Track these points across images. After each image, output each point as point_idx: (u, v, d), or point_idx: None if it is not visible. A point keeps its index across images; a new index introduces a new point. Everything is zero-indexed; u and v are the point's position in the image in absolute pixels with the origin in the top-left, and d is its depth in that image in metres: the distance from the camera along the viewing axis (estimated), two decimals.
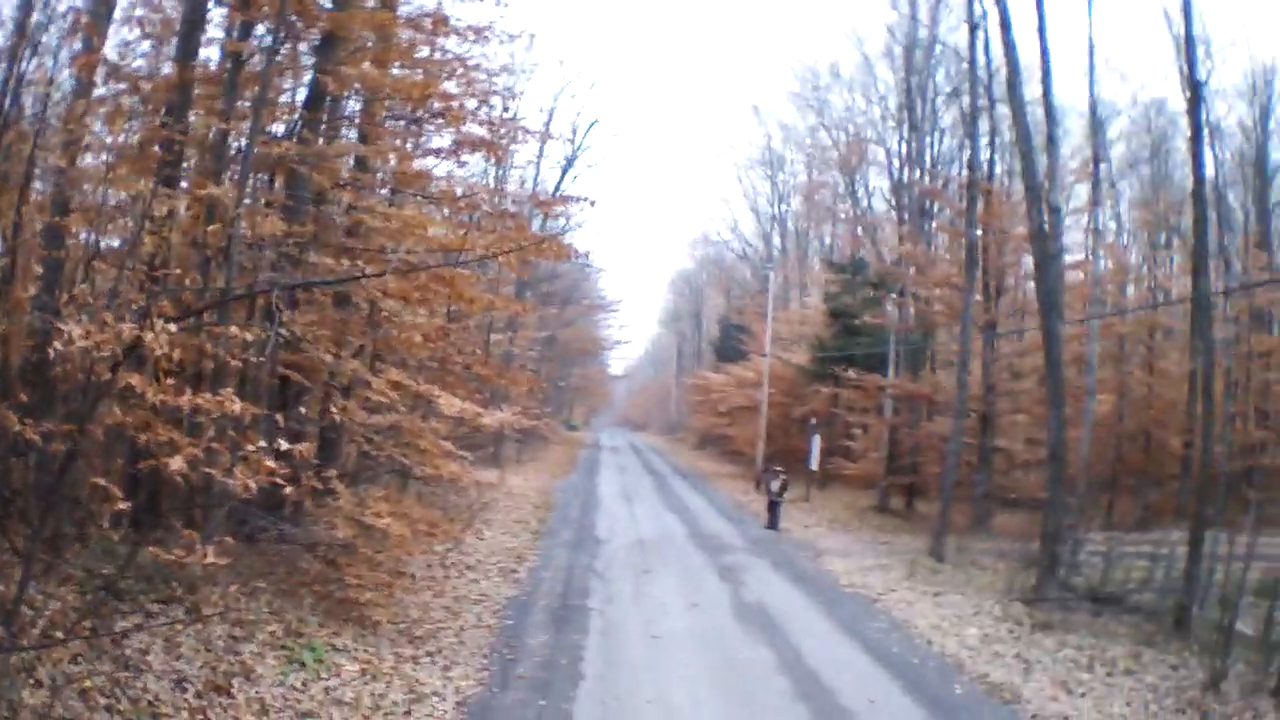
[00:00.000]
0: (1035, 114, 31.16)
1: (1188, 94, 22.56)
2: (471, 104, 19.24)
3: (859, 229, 60.76)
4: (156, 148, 15.12)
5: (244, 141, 16.16)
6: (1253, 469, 37.65)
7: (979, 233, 36.78)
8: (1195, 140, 22.60)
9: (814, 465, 46.17)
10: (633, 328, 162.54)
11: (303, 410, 16.42)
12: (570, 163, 62.28)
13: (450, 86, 19.34)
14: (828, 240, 76.46)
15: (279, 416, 12.67)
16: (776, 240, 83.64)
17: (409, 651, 15.47)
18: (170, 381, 9.84)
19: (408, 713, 12.81)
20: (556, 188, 59.46)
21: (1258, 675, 15.83)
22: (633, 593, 22.18)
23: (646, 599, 21.51)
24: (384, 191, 21.57)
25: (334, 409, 15.25)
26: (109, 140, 15.98)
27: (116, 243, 15.97)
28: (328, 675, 13.37)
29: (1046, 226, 26.17)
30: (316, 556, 17.45)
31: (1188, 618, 19.55)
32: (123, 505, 9.72)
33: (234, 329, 12.06)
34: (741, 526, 36.45)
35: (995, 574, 26.96)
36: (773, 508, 36.80)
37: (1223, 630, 16.33)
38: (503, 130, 19.89)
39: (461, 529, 24.93)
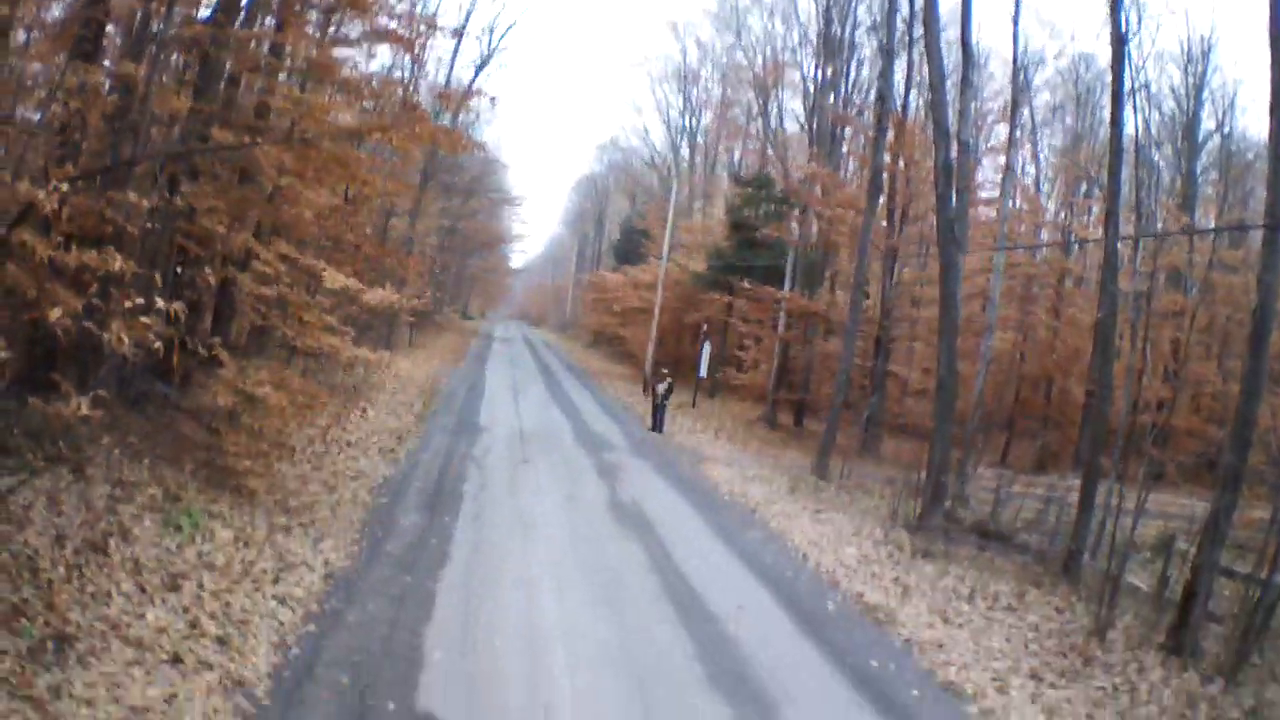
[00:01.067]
0: (955, 55, 31.87)
1: (1112, 48, 23.01)
2: None
3: (769, 148, 60.83)
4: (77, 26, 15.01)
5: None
6: (1155, 426, 38.63)
7: (886, 159, 37.32)
8: (1116, 93, 23.04)
9: (703, 372, 46.68)
10: (535, 225, 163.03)
11: (194, 278, 16.43)
12: (485, 62, 61.61)
13: None
14: (737, 157, 76.47)
15: (166, 281, 12.73)
16: (685, 152, 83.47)
17: (283, 522, 15.64)
18: (60, 238, 9.96)
19: (276, 580, 13.02)
20: (470, 85, 58.85)
21: (1146, 629, 16.08)
22: (509, 482, 22.49)
23: (523, 489, 21.85)
24: (294, 78, 21.47)
25: (212, 277, 15.29)
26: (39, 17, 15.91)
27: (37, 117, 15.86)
28: (202, 540, 13.50)
29: (954, 160, 26.62)
30: (200, 424, 17.52)
31: (1076, 564, 20.05)
32: (3, 354, 9.82)
33: (131, 195, 12.14)
34: (626, 427, 36.86)
35: (880, 499, 27.54)
36: (657, 410, 37.24)
37: (1110, 579, 16.51)
38: (419, 26, 19.83)
39: (343, 404, 25.04)
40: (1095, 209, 52.57)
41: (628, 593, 15.04)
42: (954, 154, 26.88)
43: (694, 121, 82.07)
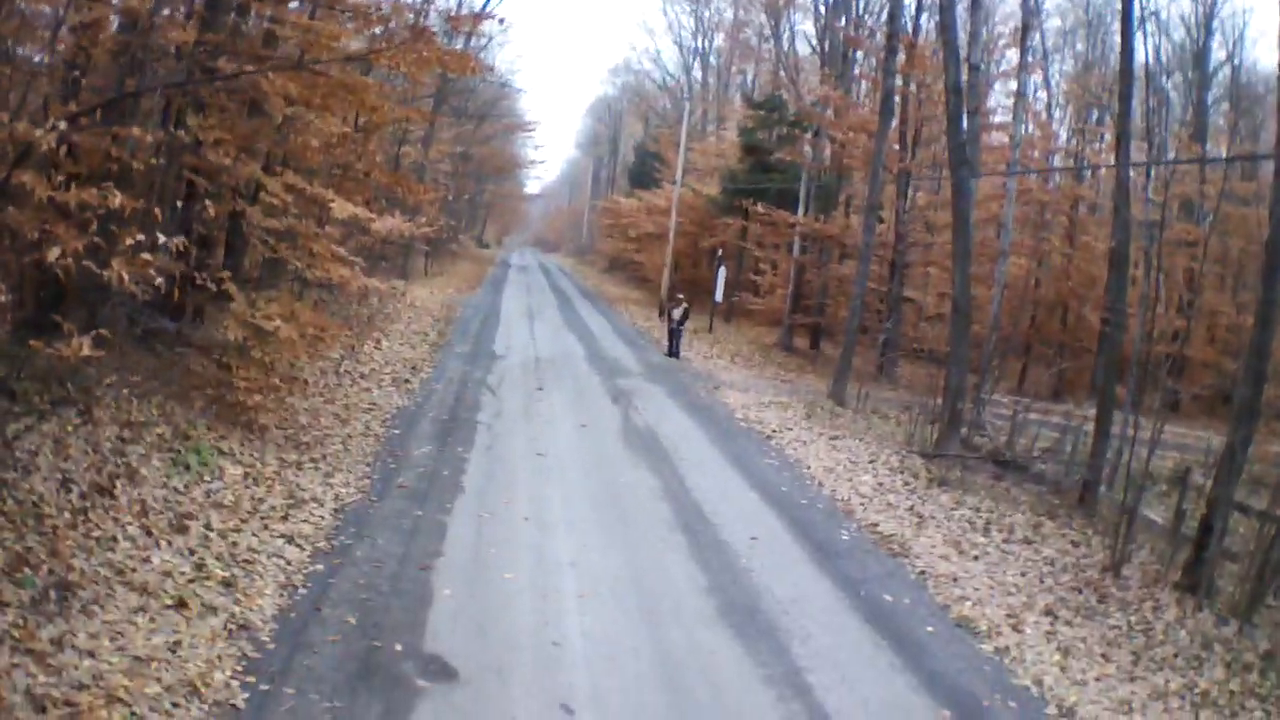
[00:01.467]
0: None
1: None
2: None
3: (780, 70, 60.11)
4: None
5: None
6: (1170, 357, 38.22)
7: (898, 81, 36.77)
8: (1126, 18, 22.59)
9: (719, 297, 46.48)
10: (550, 150, 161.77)
11: (201, 212, 16.28)
12: None
13: None
14: (750, 79, 75.63)
15: (172, 216, 12.60)
16: (698, 74, 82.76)
17: (293, 457, 15.63)
18: (61, 178, 9.82)
19: (285, 517, 12.99)
20: (481, 8, 58.23)
21: (1162, 565, 15.78)
22: (523, 409, 22.45)
23: (536, 416, 21.82)
24: (304, 5, 21.18)
25: (215, 210, 15.14)
26: None
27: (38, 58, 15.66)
28: (211, 479, 13.46)
29: (964, 82, 26.21)
30: (210, 359, 17.42)
31: (1093, 495, 19.80)
32: (3, 298, 9.73)
33: (135, 130, 11.96)
34: (641, 352, 36.77)
35: (896, 425, 27.42)
36: (673, 335, 37.05)
37: (1125, 512, 16.24)
38: None
39: (356, 335, 24.97)
40: (1107, 136, 51.91)
41: (640, 523, 14.99)
42: (964, 76, 26.47)
43: (706, 43, 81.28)
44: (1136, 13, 25.55)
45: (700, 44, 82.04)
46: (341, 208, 15.53)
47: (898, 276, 41.98)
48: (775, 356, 42.32)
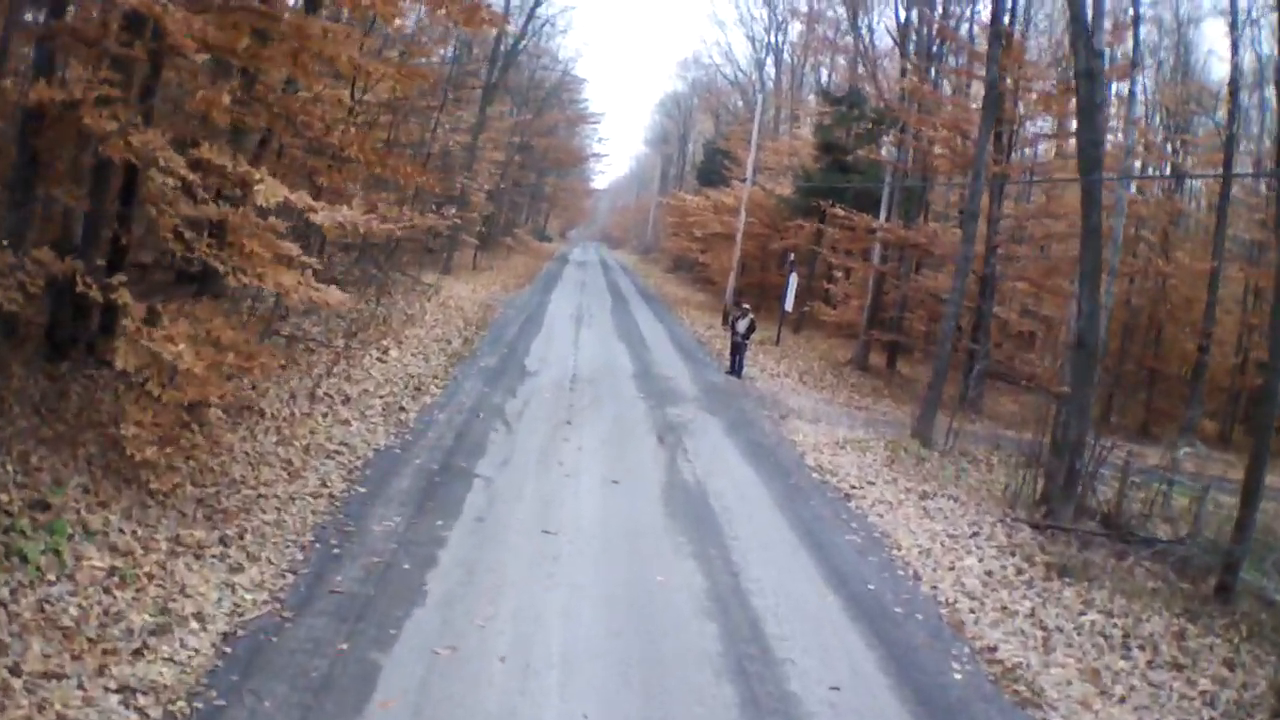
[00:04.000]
0: None
1: None
2: None
3: (860, 64, 55.10)
4: None
5: None
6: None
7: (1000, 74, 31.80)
8: (1234, 25, 17.90)
9: (789, 306, 41.73)
10: (619, 145, 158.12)
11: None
12: None
13: None
14: (824, 76, 71.14)
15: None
16: (770, 70, 78.38)
17: (197, 536, 11.13)
18: None
19: (140, 651, 8.57)
20: None
21: None
22: (540, 455, 17.76)
23: (556, 467, 17.12)
24: None
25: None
26: None
27: None
28: (57, 578, 9.16)
29: (1093, 67, 21.31)
30: (110, 388, 13.08)
31: (1232, 579, 15.55)
32: None
33: None
34: (700, 369, 32.23)
35: (989, 471, 23.65)
36: (736, 350, 32.64)
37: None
38: None
39: (332, 359, 20.66)
40: (1200, 149, 47.13)
41: (673, 664, 10.15)
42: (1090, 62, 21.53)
43: (779, 37, 76.67)
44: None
45: (773, 38, 77.49)
46: (271, 191, 10.93)
47: (989, 292, 36.97)
48: (849, 376, 37.78)
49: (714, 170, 73.87)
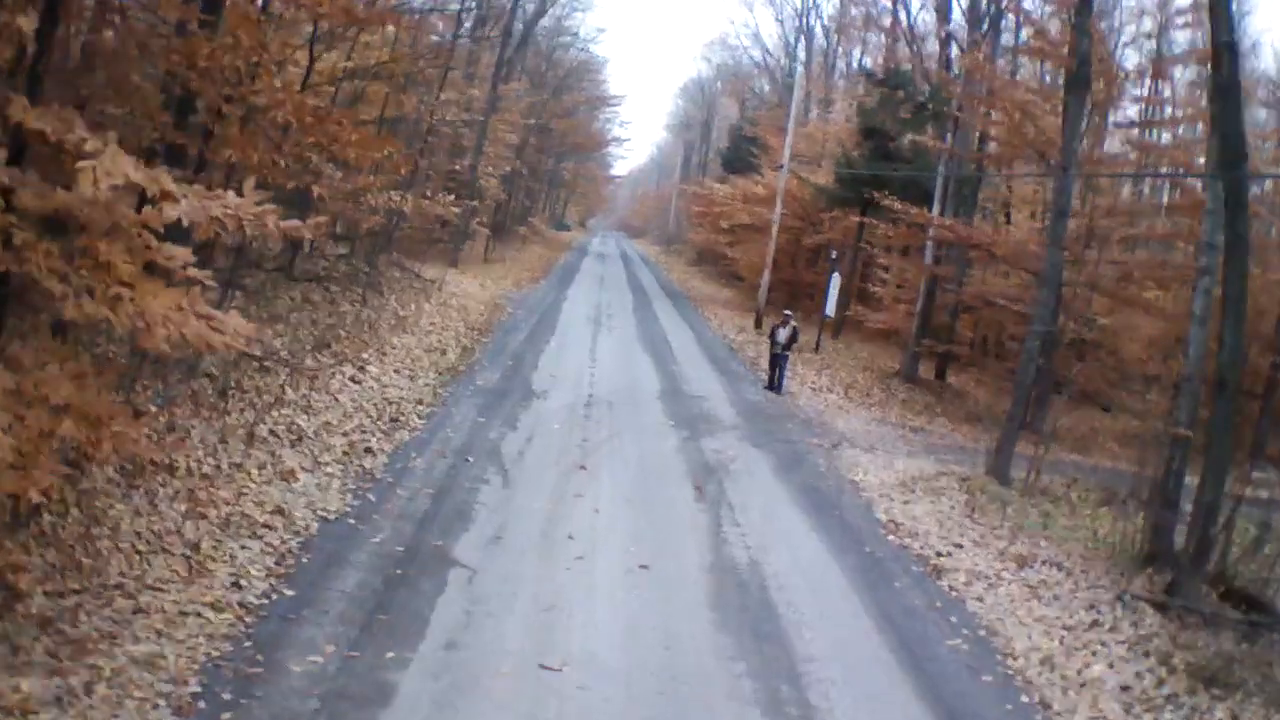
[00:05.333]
0: None
1: None
2: None
3: (903, 42, 50.48)
4: None
5: None
6: None
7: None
8: None
9: (830, 309, 37.39)
10: (640, 131, 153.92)
11: None
12: None
13: None
14: (856, 58, 67.15)
15: None
16: (801, 53, 74.07)
17: (23, 690, 7.05)
18: None
19: None
20: None
21: None
22: (545, 521, 13.48)
23: (563, 541, 12.83)
24: None
25: None
26: None
27: None
28: None
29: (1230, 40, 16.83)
30: None
31: None
32: None
33: None
34: (735, 383, 28.08)
35: (1072, 512, 19.98)
36: (776, 363, 28.58)
37: None
38: None
39: (297, 380, 16.51)
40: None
41: None
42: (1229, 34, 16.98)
43: (809, 19, 72.28)
44: None
45: (804, 20, 73.08)
46: (109, 166, 6.70)
47: (1059, 300, 32.41)
48: (897, 390, 33.65)
49: (740, 158, 69.34)
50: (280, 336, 19.79)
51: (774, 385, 28.21)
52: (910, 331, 37.04)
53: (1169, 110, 38.27)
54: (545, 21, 59.27)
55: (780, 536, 14.56)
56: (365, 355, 20.83)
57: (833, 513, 16.52)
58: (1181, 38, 38.02)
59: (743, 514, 15.19)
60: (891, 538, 15.83)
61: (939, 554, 15.25)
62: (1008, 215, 43.70)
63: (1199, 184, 30.39)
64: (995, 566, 15.06)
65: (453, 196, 29.79)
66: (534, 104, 62.52)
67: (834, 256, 40.25)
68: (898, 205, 34.95)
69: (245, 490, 12.23)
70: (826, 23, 69.85)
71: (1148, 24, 38.75)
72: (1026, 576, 14.81)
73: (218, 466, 12.65)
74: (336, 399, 17.30)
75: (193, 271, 8.06)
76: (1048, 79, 39.79)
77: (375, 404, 17.72)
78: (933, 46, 47.93)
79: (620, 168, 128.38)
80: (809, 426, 23.81)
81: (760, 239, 51.29)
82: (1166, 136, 37.37)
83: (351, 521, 12.16)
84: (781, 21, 76.19)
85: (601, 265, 69.42)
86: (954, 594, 13.62)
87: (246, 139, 11.17)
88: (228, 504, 11.66)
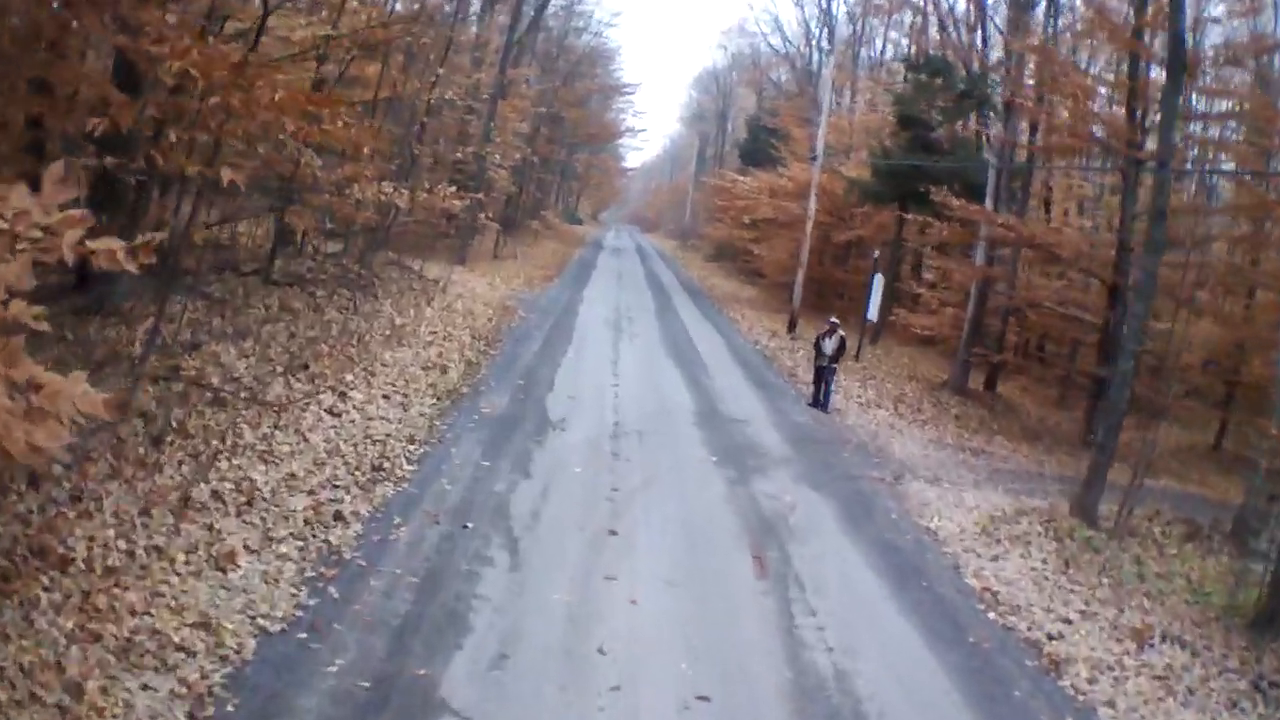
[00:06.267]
0: None
1: None
2: None
3: (939, 26, 46.70)
4: None
5: None
6: None
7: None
8: None
9: (873, 314, 33.99)
10: (653, 123, 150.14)
11: None
12: None
13: None
14: (878, 46, 63.62)
15: None
16: (825, 42, 70.36)
17: None
18: None
19: None
20: None
21: None
22: (569, 626, 10.08)
23: (593, 660, 9.47)
24: None
25: None
26: None
27: None
28: None
29: None
30: None
31: None
32: None
33: None
34: (776, 400, 24.91)
35: (1161, 552, 17.88)
36: (822, 376, 25.44)
37: None
38: None
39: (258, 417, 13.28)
40: None
41: None
42: None
43: (830, 5, 68.81)
44: None
45: (826, 4, 69.50)
46: None
47: (1121, 305, 29.04)
48: (948, 403, 30.54)
49: (759, 150, 67.08)
50: (246, 357, 16.50)
51: (819, 402, 25.06)
52: (958, 338, 33.78)
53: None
54: (555, 4, 56.13)
55: (867, 627, 11.33)
56: (350, 377, 17.54)
57: (919, 582, 13.31)
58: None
59: (816, 594, 11.91)
60: (992, 615, 12.74)
61: (1049, 636, 12.37)
62: (1047, 210, 40.44)
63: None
64: (1114, 650, 12.34)
65: (454, 188, 26.42)
66: (544, 91, 59.45)
67: (876, 256, 36.89)
68: (954, 201, 31.50)
69: (163, 589, 8.95)
70: (851, 6, 66.03)
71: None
72: (1150, 661, 12.29)
73: (130, 553, 9.37)
74: (307, 439, 13.98)
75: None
76: (1095, 66, 36.71)
77: (355, 445, 14.38)
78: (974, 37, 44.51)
79: (632, 160, 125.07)
80: (865, 454, 20.68)
81: (786, 235, 48.37)
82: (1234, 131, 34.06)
83: (302, 636, 8.82)
84: (802, 6, 72.81)
85: (618, 260, 66.19)
86: (1081, 699, 10.81)
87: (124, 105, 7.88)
88: (134, 614, 8.40)
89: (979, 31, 40.86)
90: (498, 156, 43.86)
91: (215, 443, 12.46)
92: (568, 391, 20.86)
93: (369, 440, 14.71)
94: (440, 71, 30.91)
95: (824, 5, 70.59)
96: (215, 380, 14.73)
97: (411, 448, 14.95)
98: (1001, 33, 37.18)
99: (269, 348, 17.53)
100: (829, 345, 25.16)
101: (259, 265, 21.67)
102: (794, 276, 40.48)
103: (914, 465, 20.68)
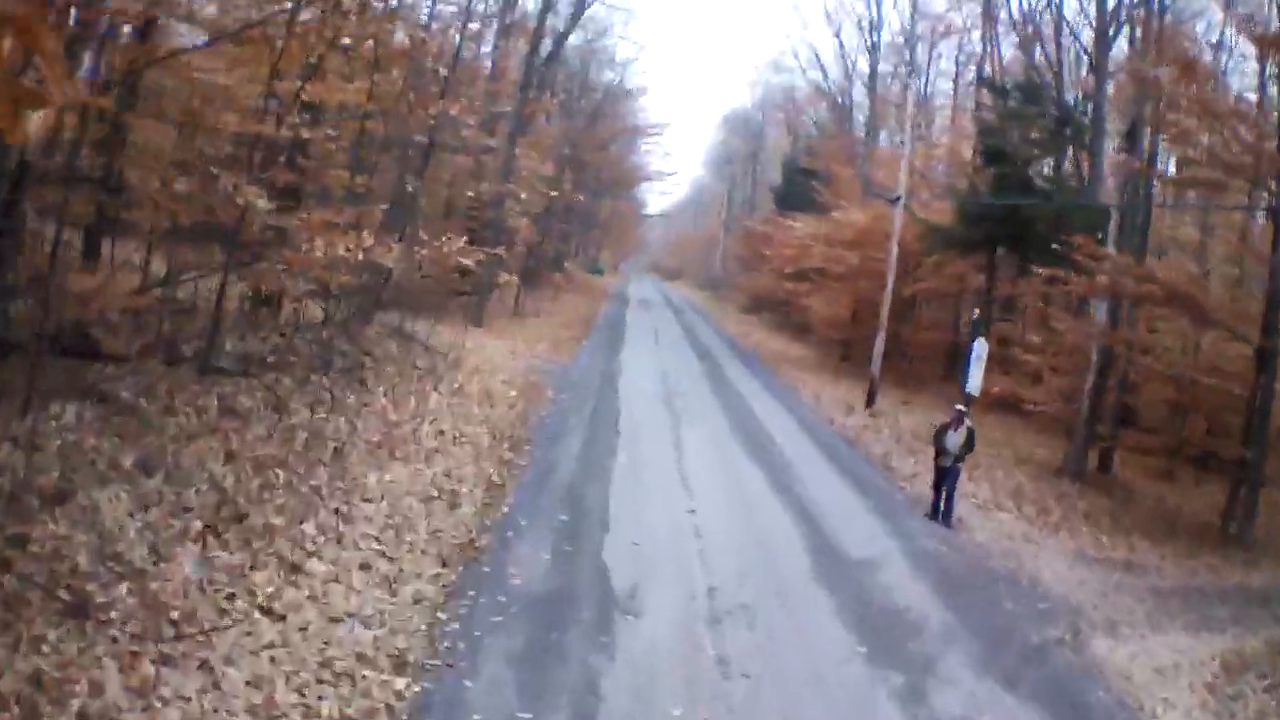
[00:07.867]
0: None
1: None
2: None
3: (1028, 45, 40.73)
4: None
5: None
6: None
7: None
8: None
9: (975, 386, 27.48)
10: (674, 167, 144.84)
11: None
12: None
13: None
14: (923, 83, 58.19)
15: None
16: (865, 69, 64.67)
17: None
18: None
19: None
20: None
21: None
22: None
23: None
24: None
25: None
26: None
27: None
28: None
29: None
30: None
31: None
32: None
33: None
34: (890, 513, 19.33)
35: None
36: (944, 478, 19.58)
37: None
38: None
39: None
40: None
41: None
42: None
43: (874, 32, 62.77)
44: None
45: (869, 36, 63.33)
46: None
47: (1270, 371, 23.50)
48: (1067, 493, 24.85)
49: (796, 193, 62.38)
50: (146, 508, 10.50)
51: (942, 513, 19.35)
52: (1076, 414, 27.75)
53: None
54: (575, 40, 50.89)
55: None
56: (310, 529, 11.55)
57: None
58: None
59: None
60: None
61: None
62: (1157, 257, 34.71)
63: None
64: None
65: (467, 239, 20.80)
66: (566, 131, 54.32)
67: (975, 315, 30.93)
68: (1090, 248, 25.53)
69: None
70: (908, 29, 60.21)
71: None
72: None
73: None
74: (217, 686, 7.99)
75: None
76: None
77: (302, 693, 8.33)
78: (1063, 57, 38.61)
79: (654, 205, 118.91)
80: (1021, 593, 15.68)
81: (840, 287, 42.89)
82: None
83: None
84: (840, 39, 67.32)
85: (649, 315, 60.80)
86: None
87: None
88: None
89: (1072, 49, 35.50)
90: (521, 197, 38.33)
91: None
92: (630, 533, 14.63)
93: (326, 679, 8.64)
94: (442, 103, 25.01)
95: (867, 39, 64.55)
96: (82, 562, 8.87)
97: (399, 686, 8.85)
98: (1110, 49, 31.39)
99: (189, 486, 11.49)
100: (954, 440, 19.42)
101: (198, 345, 15.71)
102: (848, 333, 34.67)
103: (1078, 605, 15.70)
